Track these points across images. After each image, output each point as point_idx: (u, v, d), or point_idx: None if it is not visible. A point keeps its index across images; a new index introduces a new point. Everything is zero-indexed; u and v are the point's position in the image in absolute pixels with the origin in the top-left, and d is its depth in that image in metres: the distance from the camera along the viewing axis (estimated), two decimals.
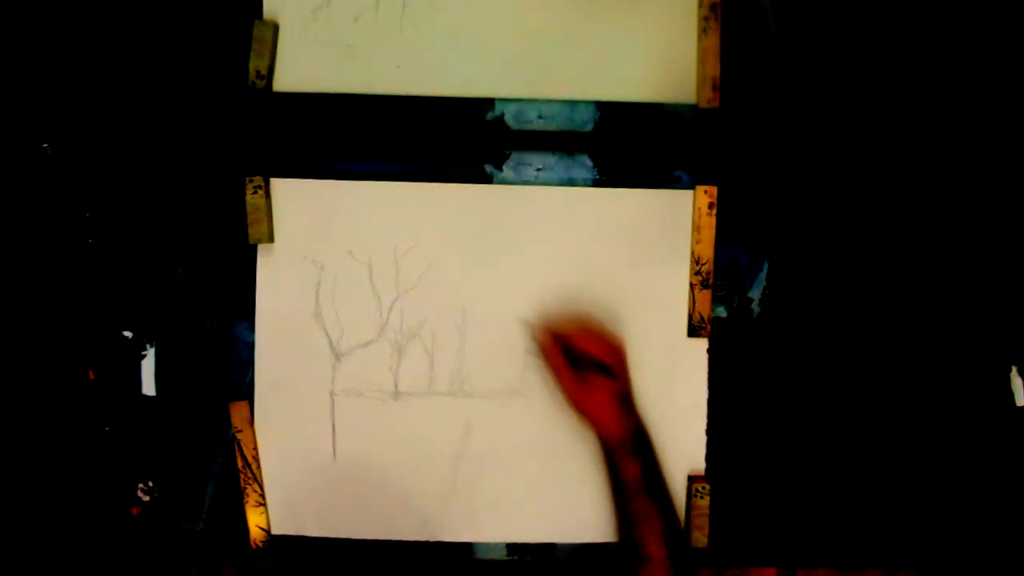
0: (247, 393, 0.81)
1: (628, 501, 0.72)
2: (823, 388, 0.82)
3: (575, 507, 0.81)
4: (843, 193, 0.81)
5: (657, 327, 0.80)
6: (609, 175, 0.80)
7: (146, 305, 0.81)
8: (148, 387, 0.81)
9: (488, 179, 0.80)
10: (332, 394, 0.80)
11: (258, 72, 0.78)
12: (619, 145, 0.80)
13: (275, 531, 0.81)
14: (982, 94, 0.81)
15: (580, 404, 0.75)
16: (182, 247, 0.81)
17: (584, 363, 0.75)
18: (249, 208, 0.78)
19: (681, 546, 0.73)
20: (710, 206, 0.78)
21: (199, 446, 0.81)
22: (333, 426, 0.81)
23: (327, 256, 0.80)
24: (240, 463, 0.80)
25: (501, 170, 0.80)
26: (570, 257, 0.80)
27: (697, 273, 0.79)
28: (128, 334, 0.81)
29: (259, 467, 0.81)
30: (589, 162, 0.80)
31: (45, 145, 0.81)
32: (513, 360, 0.80)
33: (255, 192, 0.78)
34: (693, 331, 0.80)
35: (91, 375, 0.81)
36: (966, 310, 0.81)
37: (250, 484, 0.80)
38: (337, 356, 0.80)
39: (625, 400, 0.74)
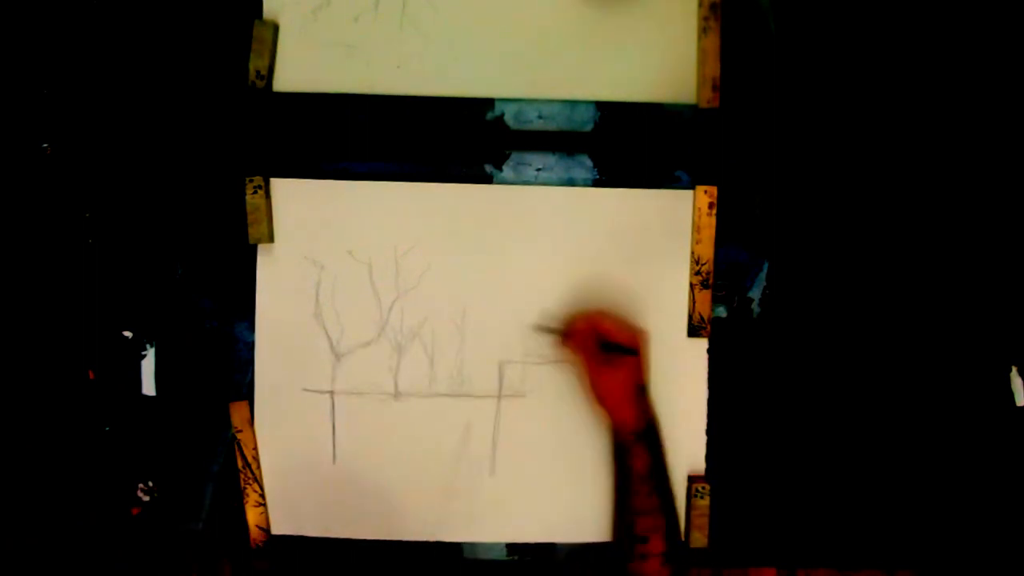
0: (247, 393, 0.81)
1: (633, 493, 0.73)
2: (823, 388, 0.82)
3: (575, 507, 0.81)
4: (843, 193, 0.81)
5: (657, 327, 0.80)
6: (609, 175, 0.80)
7: (146, 305, 0.81)
8: (148, 387, 0.81)
9: (488, 179, 0.80)
10: (332, 394, 0.80)
11: (258, 72, 0.78)
12: (619, 145, 0.80)
13: (275, 531, 0.81)
14: (982, 94, 0.81)
15: (600, 389, 0.75)
16: (182, 247, 0.81)
17: (607, 350, 0.75)
18: (249, 208, 0.78)
19: (678, 547, 0.74)
20: (710, 206, 0.78)
21: (199, 446, 0.81)
22: (333, 426, 0.81)
23: (327, 256, 0.80)
24: (240, 463, 0.80)
25: (501, 170, 0.80)
26: (570, 257, 0.80)
27: (697, 273, 0.79)
28: (128, 334, 0.81)
29: (259, 467, 0.81)
30: (589, 162, 0.80)
31: (45, 145, 0.81)
32: (513, 360, 0.80)
33: (255, 192, 0.78)
34: (693, 331, 0.80)
35: (91, 375, 0.81)
36: (966, 310, 0.81)
37: (250, 484, 0.80)
38: (337, 356, 0.80)
39: (641, 391, 0.75)
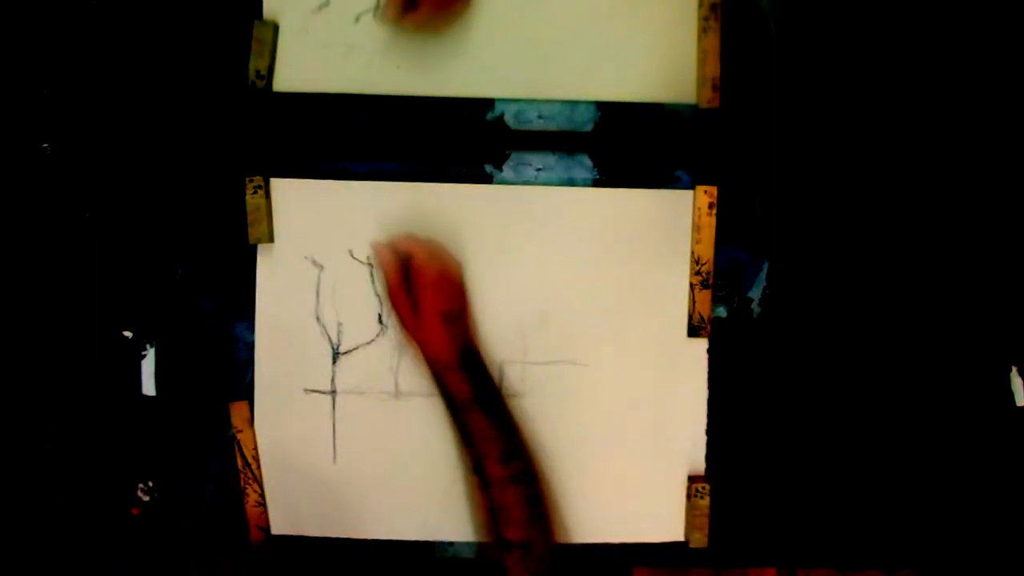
0: (247, 393, 0.81)
1: (462, 417, 0.72)
2: (823, 388, 0.82)
3: (574, 507, 0.81)
4: (843, 193, 0.81)
5: (657, 327, 0.80)
6: (609, 175, 0.80)
7: (146, 305, 0.81)
8: (148, 387, 0.81)
9: (488, 179, 0.80)
10: (332, 394, 0.80)
11: (258, 72, 0.78)
12: (619, 145, 0.80)
13: (275, 531, 0.81)
14: (982, 94, 0.81)
15: (400, 314, 0.74)
16: (182, 247, 0.81)
17: (417, 282, 0.73)
18: (249, 208, 0.78)
19: (527, 471, 0.72)
20: (710, 206, 0.78)
21: (199, 446, 0.81)
22: (333, 426, 0.81)
23: (327, 256, 0.80)
24: (240, 463, 0.80)
25: (501, 170, 0.80)
26: (570, 257, 0.80)
27: (697, 273, 0.79)
28: (128, 334, 0.81)
29: (259, 467, 0.81)
30: (589, 162, 0.80)
31: (45, 145, 0.81)
32: (513, 360, 0.80)
33: (255, 192, 0.78)
34: (693, 331, 0.80)
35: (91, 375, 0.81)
36: (966, 310, 0.81)
37: (250, 484, 0.80)
38: (337, 356, 0.80)
39: (449, 316, 0.73)
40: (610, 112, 0.79)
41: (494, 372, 0.75)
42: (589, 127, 0.80)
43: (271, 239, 0.80)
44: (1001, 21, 0.80)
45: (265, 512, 0.81)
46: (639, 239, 0.80)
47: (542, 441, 0.79)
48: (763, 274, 0.82)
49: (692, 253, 0.79)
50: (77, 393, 0.81)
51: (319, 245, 0.80)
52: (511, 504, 0.70)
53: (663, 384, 0.80)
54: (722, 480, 0.81)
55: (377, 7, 0.80)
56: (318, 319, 0.80)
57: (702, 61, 0.78)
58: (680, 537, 0.81)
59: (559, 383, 0.80)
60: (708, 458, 0.81)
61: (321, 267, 0.80)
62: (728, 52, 0.78)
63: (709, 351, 0.81)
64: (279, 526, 0.81)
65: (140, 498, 0.82)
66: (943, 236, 0.81)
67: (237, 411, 0.80)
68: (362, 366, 0.80)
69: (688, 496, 0.80)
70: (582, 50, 0.80)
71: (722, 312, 0.82)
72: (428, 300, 0.72)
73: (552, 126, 0.80)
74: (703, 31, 0.78)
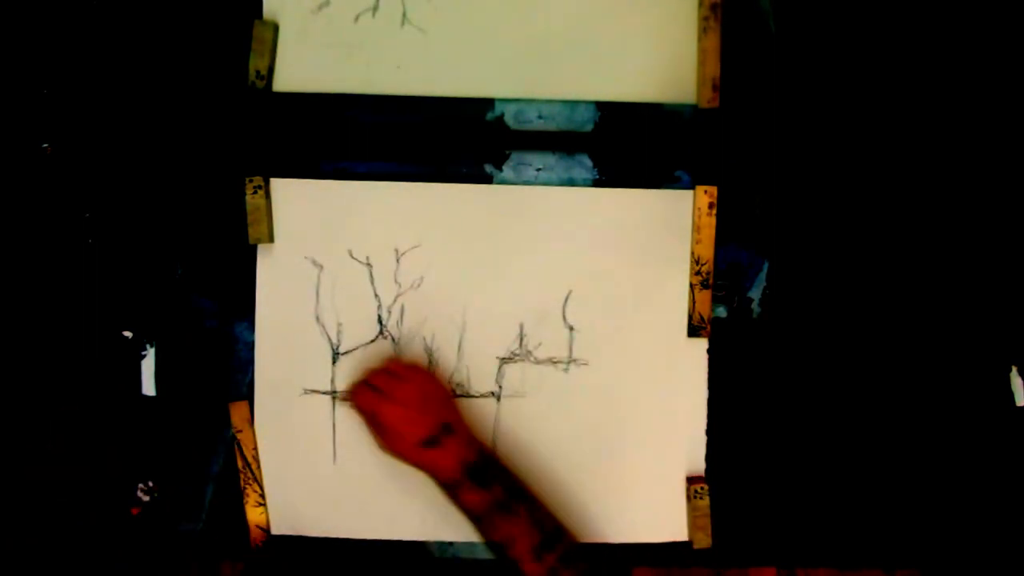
0: (247, 393, 0.81)
1: (486, 526, 0.69)
2: (823, 388, 0.82)
3: (574, 507, 0.81)
4: (843, 193, 0.81)
5: (657, 327, 0.80)
6: (609, 175, 0.80)
7: (146, 305, 0.81)
8: (148, 387, 0.81)
9: (488, 179, 0.80)
10: (332, 394, 0.80)
11: (258, 72, 0.78)
12: (619, 145, 0.80)
13: (275, 531, 0.81)
14: (982, 94, 0.81)
15: (395, 452, 0.72)
16: (182, 247, 0.81)
17: (385, 425, 0.71)
18: (249, 208, 0.78)
19: (572, 553, 0.69)
20: (710, 206, 0.78)
21: (199, 446, 0.81)
22: (333, 426, 0.81)
23: (327, 256, 0.80)
24: (240, 463, 0.80)
25: (501, 170, 0.80)
26: (570, 257, 0.80)
27: (697, 273, 0.79)
28: (128, 334, 0.81)
29: (259, 467, 0.81)
30: (589, 162, 0.80)
31: (45, 145, 0.81)
32: (513, 360, 0.80)
33: (255, 192, 0.78)
34: (693, 331, 0.80)
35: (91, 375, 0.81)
36: (966, 310, 0.81)
37: (250, 484, 0.80)
38: (337, 356, 0.80)
39: (433, 443, 0.70)
40: (610, 112, 0.79)
41: (511, 468, 0.73)
42: (589, 127, 0.80)
43: (271, 239, 0.80)
44: (1001, 21, 0.80)
45: (265, 512, 0.81)
46: (639, 239, 0.80)
47: (545, 448, 0.80)
48: (763, 274, 0.82)
49: (692, 253, 0.79)
50: (77, 393, 0.81)
51: (319, 245, 0.80)
52: None
53: (663, 384, 0.80)
54: (722, 480, 0.81)
55: (377, 7, 0.80)
56: (318, 319, 0.80)
57: (702, 61, 0.78)
58: (680, 537, 0.81)
59: (559, 383, 0.80)
60: (708, 458, 0.81)
61: (321, 267, 0.80)
62: (728, 52, 0.78)
63: (709, 351, 0.81)
64: (279, 526, 0.81)
65: (140, 498, 0.82)
66: (943, 236, 0.81)
67: (237, 411, 0.80)
68: (362, 366, 0.80)
69: (688, 497, 0.80)
70: (582, 50, 0.80)
71: (722, 312, 0.82)
72: (405, 436, 0.70)
73: (552, 126, 0.80)
74: (703, 31, 0.78)
